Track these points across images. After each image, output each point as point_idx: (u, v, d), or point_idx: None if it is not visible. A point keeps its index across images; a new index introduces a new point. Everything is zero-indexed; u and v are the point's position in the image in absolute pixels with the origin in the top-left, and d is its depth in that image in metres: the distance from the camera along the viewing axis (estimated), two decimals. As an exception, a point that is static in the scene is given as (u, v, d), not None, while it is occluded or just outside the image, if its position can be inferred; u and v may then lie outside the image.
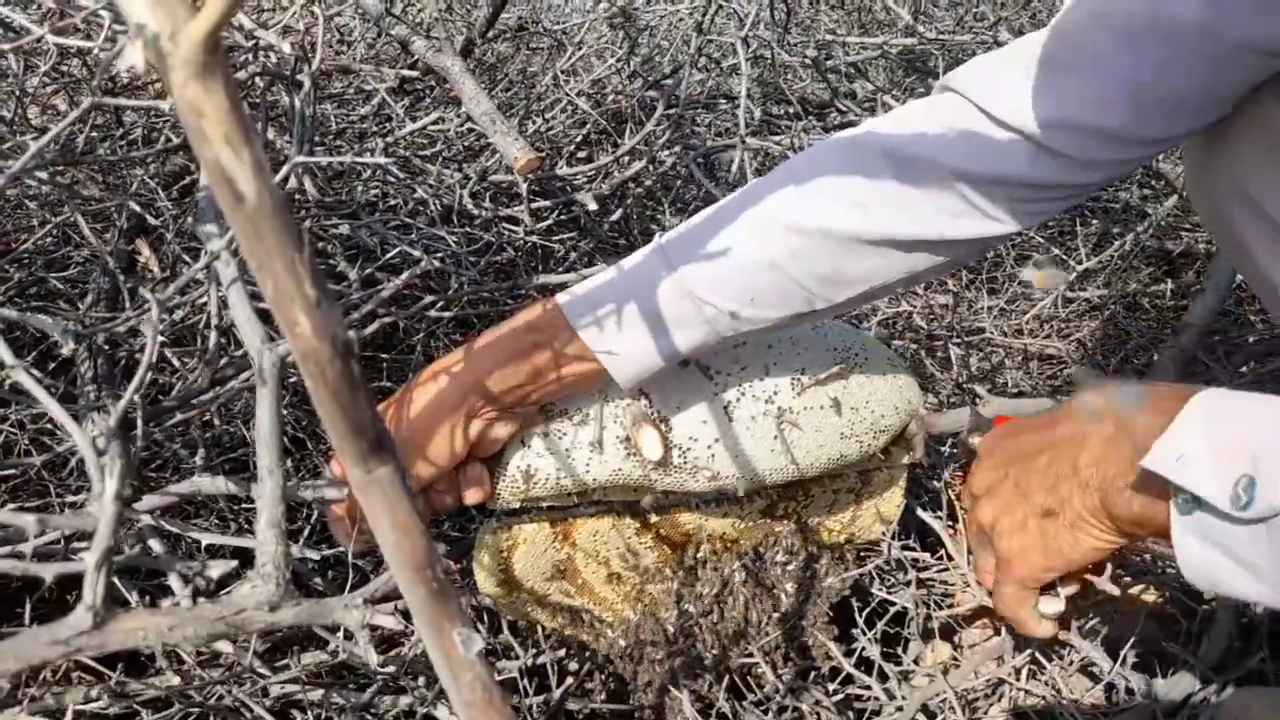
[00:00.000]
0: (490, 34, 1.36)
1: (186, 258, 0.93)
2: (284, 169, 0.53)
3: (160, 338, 0.48)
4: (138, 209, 0.92)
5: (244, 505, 0.99)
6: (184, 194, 1.02)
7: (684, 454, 0.82)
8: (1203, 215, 0.81)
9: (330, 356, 0.28)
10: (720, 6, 1.12)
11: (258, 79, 0.61)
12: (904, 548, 0.96)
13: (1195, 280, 1.49)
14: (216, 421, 0.87)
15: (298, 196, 0.80)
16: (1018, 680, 0.83)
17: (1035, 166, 0.72)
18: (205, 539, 0.53)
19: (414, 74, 1.05)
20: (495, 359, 0.75)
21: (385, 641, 0.90)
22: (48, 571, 0.33)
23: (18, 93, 0.74)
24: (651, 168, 1.16)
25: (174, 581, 0.55)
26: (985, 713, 0.88)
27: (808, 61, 1.36)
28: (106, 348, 0.77)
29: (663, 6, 1.24)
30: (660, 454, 0.80)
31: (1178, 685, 0.82)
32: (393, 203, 1.01)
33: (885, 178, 0.73)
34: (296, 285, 0.28)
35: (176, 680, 0.69)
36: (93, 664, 0.74)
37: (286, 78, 0.56)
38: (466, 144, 1.15)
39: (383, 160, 0.55)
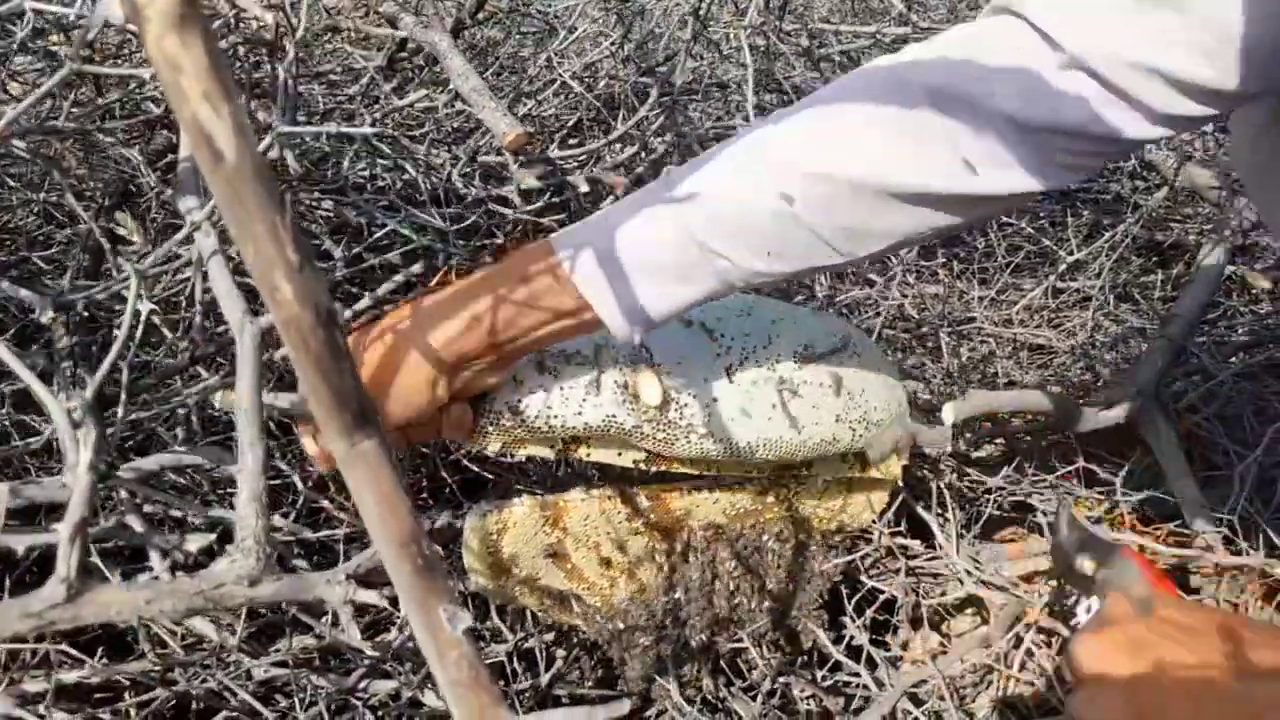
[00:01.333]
0: (480, 15, 1.35)
1: (174, 231, 0.92)
2: (266, 139, 0.52)
3: (145, 306, 0.47)
4: (120, 182, 0.90)
5: (228, 490, 0.98)
6: (168, 170, 1.00)
7: (680, 409, 0.79)
8: (1257, 202, 0.76)
9: (313, 324, 0.27)
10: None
11: (239, 47, 0.60)
12: (894, 535, 0.95)
13: (1185, 272, 1.49)
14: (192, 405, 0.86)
15: (280, 172, 0.79)
16: (1006, 668, 0.83)
17: (1100, 114, 0.62)
18: (189, 514, 0.52)
19: (403, 33, 1.03)
20: (484, 305, 0.69)
21: (371, 626, 0.89)
22: (20, 542, 0.32)
23: (-3, 64, 0.73)
24: (643, 154, 1.15)
25: (154, 559, 0.54)
26: (973, 700, 0.88)
27: (800, 50, 1.35)
28: (86, 321, 0.75)
29: (656, -12, 1.23)
30: (659, 399, 0.77)
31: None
32: (381, 183, 1.00)
33: (923, 120, 0.64)
34: (278, 250, 0.27)
35: (158, 664, 0.68)
36: (73, 651, 0.73)
37: (269, 44, 0.54)
38: (455, 125, 1.14)
39: (367, 130, 0.54)
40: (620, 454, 0.82)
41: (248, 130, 0.26)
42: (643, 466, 0.83)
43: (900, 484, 0.95)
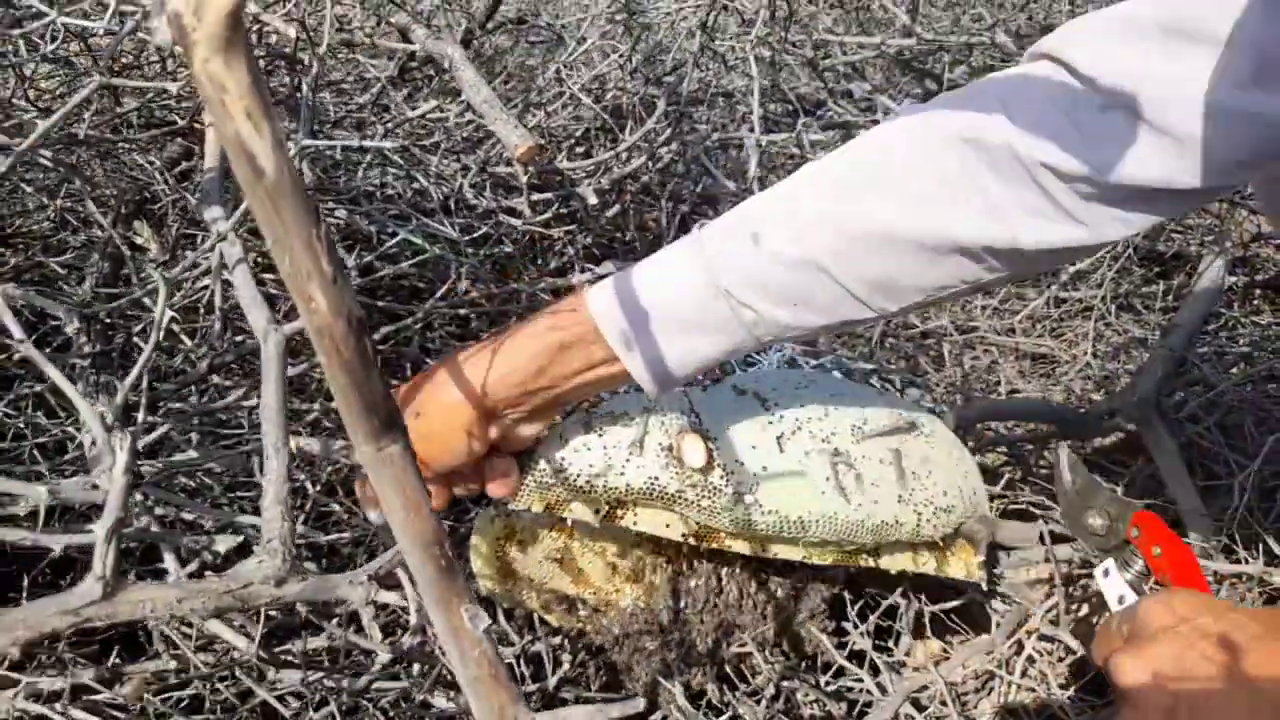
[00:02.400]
0: (490, 25, 1.36)
1: (187, 240, 0.93)
2: (290, 151, 0.53)
3: (169, 313, 0.49)
4: (138, 191, 0.92)
5: (240, 495, 0.99)
6: (182, 178, 1.02)
7: (726, 475, 0.77)
8: (1260, 194, 0.74)
9: (345, 333, 0.29)
10: (725, 6, 1.12)
11: (260, 62, 0.61)
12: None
13: (1187, 282, 1.50)
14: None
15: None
16: (1009, 674, 0.84)
17: (1144, 158, 0.58)
18: (208, 521, 0.53)
19: (415, 47, 1.04)
20: (518, 359, 0.70)
21: (382, 629, 0.90)
22: (56, 543, 0.33)
23: (20, 72, 0.74)
24: (651, 164, 1.16)
25: (169, 563, 0.55)
26: (975, 707, 0.88)
27: (805, 61, 1.37)
28: (106, 329, 0.77)
29: (666, 3, 1.24)
30: (702, 462, 0.75)
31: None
32: (391, 192, 1.01)
33: (957, 170, 0.63)
34: (313, 261, 0.28)
35: (173, 665, 0.69)
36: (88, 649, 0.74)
37: (290, 59, 0.56)
38: (465, 135, 1.16)
39: (386, 144, 0.55)
40: (668, 525, 0.78)
41: (285, 147, 0.27)
42: (691, 542, 0.79)
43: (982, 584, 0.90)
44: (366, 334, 0.29)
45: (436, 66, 1.08)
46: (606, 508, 0.78)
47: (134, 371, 0.40)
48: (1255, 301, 1.56)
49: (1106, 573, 0.74)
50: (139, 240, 1.00)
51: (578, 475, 0.76)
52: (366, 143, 0.59)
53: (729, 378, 0.92)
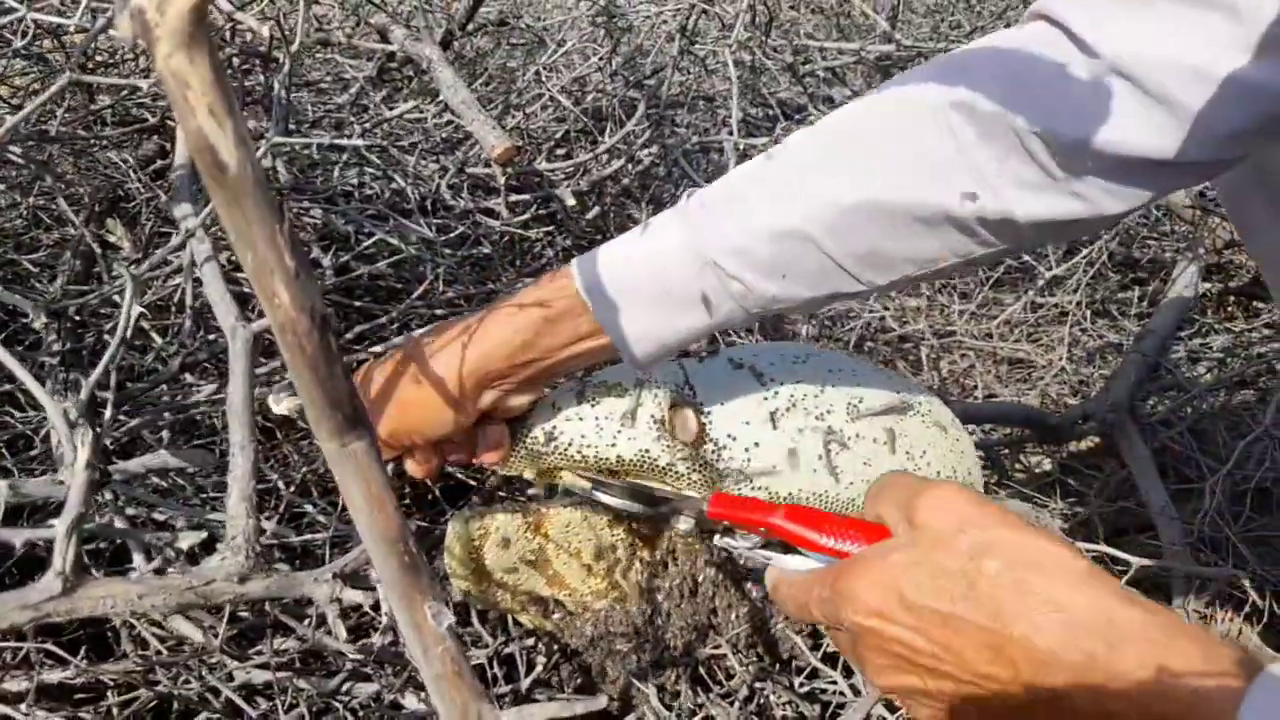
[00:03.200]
0: (470, 26, 1.36)
1: (161, 239, 0.92)
2: (260, 148, 0.53)
3: (136, 310, 0.48)
4: (111, 189, 0.91)
5: (211, 495, 0.98)
6: (157, 177, 1.01)
7: (718, 449, 0.77)
8: (1223, 198, 0.75)
9: (309, 328, 0.29)
10: (704, 10, 1.13)
11: (234, 59, 0.61)
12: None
13: (1161, 288, 1.52)
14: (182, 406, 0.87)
15: (270, 180, 0.80)
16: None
17: (1139, 128, 0.56)
18: (178, 519, 0.52)
19: (393, 47, 1.04)
20: (504, 332, 0.69)
21: (353, 631, 0.90)
22: (18, 537, 0.33)
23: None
24: (630, 166, 1.16)
25: (137, 559, 0.54)
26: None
27: (785, 66, 1.37)
28: (76, 328, 0.76)
29: (647, 7, 1.25)
30: (694, 435, 0.75)
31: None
32: (369, 192, 1.01)
33: (946, 138, 0.60)
34: (276, 257, 0.28)
35: (140, 664, 0.69)
36: (56, 650, 0.73)
37: (264, 57, 0.56)
38: (444, 135, 1.15)
39: (359, 142, 0.55)
40: (654, 498, 0.77)
41: (249, 143, 0.27)
42: (690, 521, 0.76)
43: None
44: (330, 330, 0.29)
45: (415, 67, 1.08)
46: (597, 477, 0.78)
47: (99, 367, 0.39)
48: (1229, 308, 1.58)
49: (733, 547, 0.67)
50: (111, 239, 1.00)
51: (569, 444, 0.75)
52: (340, 140, 0.58)
53: (725, 350, 0.90)
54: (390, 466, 0.85)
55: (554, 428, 0.76)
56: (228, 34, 0.61)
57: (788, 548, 0.62)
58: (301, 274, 0.28)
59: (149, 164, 1.06)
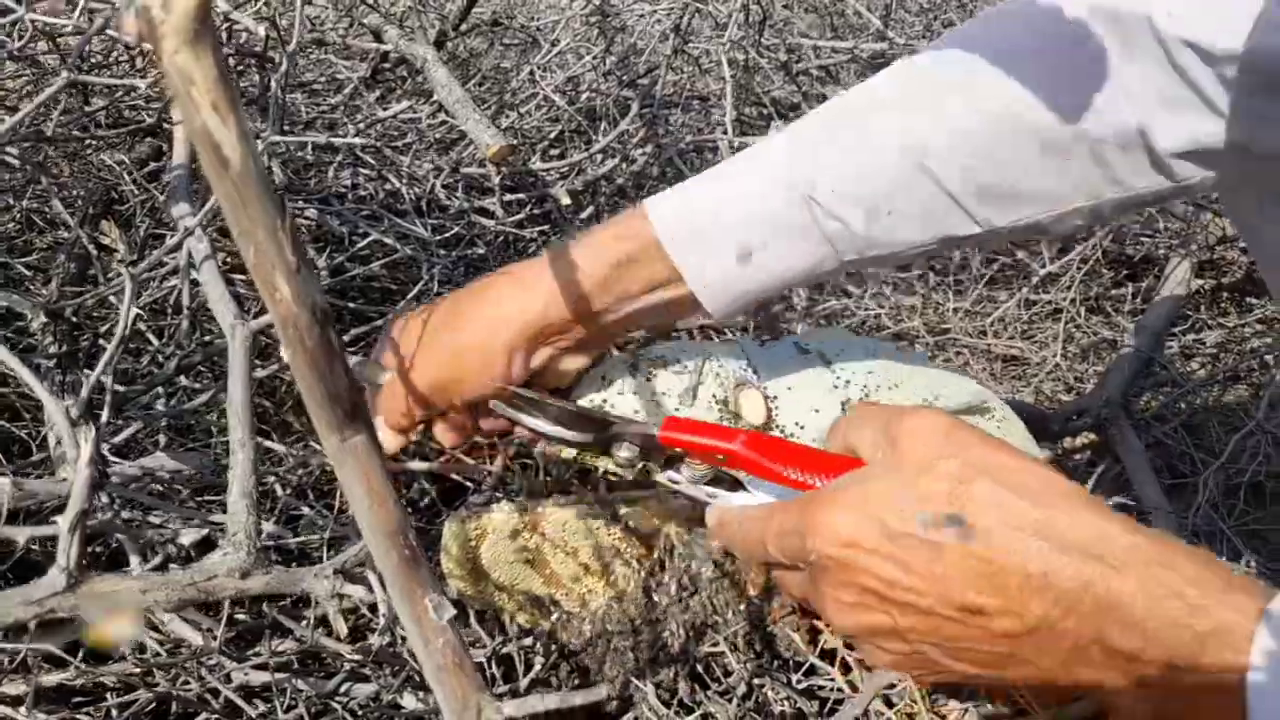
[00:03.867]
0: (463, 27, 1.36)
1: (156, 241, 0.93)
2: (259, 147, 0.53)
3: (134, 310, 0.48)
4: (106, 191, 0.91)
5: (207, 498, 0.98)
6: (151, 178, 1.01)
7: (785, 437, 0.71)
8: (1231, 212, 0.72)
9: (309, 323, 0.29)
10: (698, 9, 1.13)
11: (230, 59, 0.61)
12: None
13: (1155, 285, 1.53)
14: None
15: (269, 182, 0.80)
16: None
17: None
18: (175, 523, 0.53)
19: (387, 47, 1.04)
20: (574, 275, 0.61)
21: (351, 632, 0.90)
22: (21, 535, 0.33)
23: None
24: (624, 166, 1.16)
25: (133, 561, 0.54)
26: (945, 704, 0.89)
27: (779, 64, 1.38)
28: (73, 330, 0.76)
29: (641, 6, 1.25)
30: (762, 419, 0.69)
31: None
32: (363, 193, 1.01)
33: (1086, 48, 0.54)
34: (278, 252, 0.28)
35: (139, 666, 0.69)
36: (56, 650, 0.73)
37: (260, 57, 0.56)
38: (438, 135, 1.16)
39: (355, 141, 0.55)
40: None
41: (251, 139, 0.27)
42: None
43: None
44: (331, 325, 0.29)
45: (410, 67, 1.08)
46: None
47: (100, 365, 0.40)
48: (1222, 304, 1.59)
49: (675, 481, 0.63)
50: (106, 241, 1.00)
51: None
52: (335, 139, 0.58)
53: (789, 336, 0.85)
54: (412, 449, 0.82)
55: (603, 401, 0.70)
56: (224, 34, 0.61)
57: (737, 484, 0.58)
58: (302, 269, 0.28)
59: (143, 165, 1.06)
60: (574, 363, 0.67)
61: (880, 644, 0.48)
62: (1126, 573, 0.42)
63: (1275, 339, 1.41)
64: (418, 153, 1.13)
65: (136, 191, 0.96)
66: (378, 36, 1.10)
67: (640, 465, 0.65)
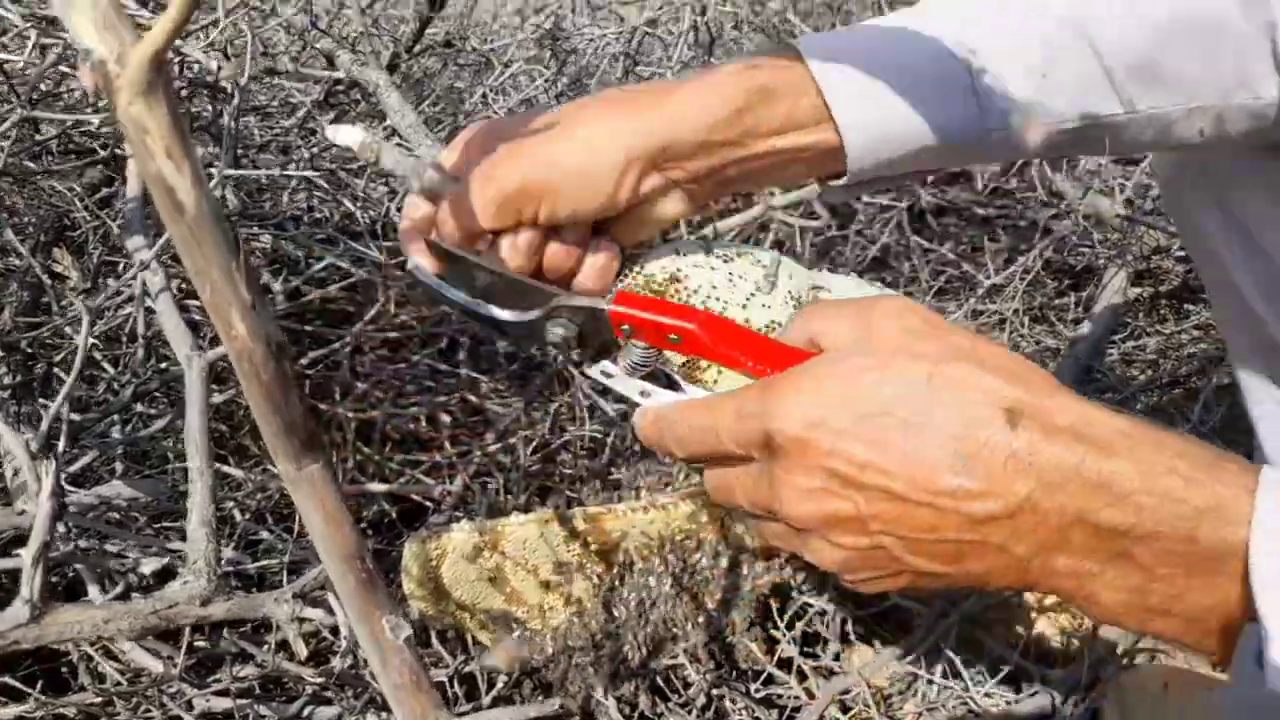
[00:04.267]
0: (416, 49, 1.38)
1: (108, 268, 0.92)
2: (212, 179, 0.54)
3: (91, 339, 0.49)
4: (58, 218, 0.91)
5: (166, 526, 0.98)
6: (103, 205, 1.01)
7: None
8: (1175, 219, 0.76)
9: (264, 357, 0.30)
10: (648, 32, 1.15)
11: (183, 91, 0.62)
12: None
13: (1095, 294, 1.57)
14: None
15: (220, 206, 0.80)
16: (929, 674, 0.87)
17: None
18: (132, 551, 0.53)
19: (339, 74, 1.05)
20: (710, 98, 0.57)
21: (312, 656, 0.90)
22: (-18, 569, 0.33)
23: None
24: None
25: (92, 591, 0.55)
26: (900, 709, 0.92)
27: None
28: (27, 360, 0.76)
29: (591, 30, 1.27)
30: None
31: (1078, 668, 0.86)
32: (319, 215, 1.02)
33: None
34: (233, 290, 0.29)
35: (99, 698, 0.68)
36: (14, 683, 0.73)
37: (213, 88, 0.57)
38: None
39: (310, 174, 0.56)
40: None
41: (205, 183, 0.28)
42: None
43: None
44: (286, 357, 0.31)
45: (363, 90, 1.09)
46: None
47: (58, 399, 0.40)
48: (1161, 311, 1.64)
49: (608, 374, 0.57)
50: (59, 268, 0.99)
51: (697, 290, 0.65)
52: (289, 173, 0.59)
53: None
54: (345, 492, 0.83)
55: (679, 269, 0.66)
56: (177, 67, 0.62)
57: (671, 383, 0.55)
58: (257, 305, 0.30)
59: (95, 191, 1.06)
60: (675, 205, 0.62)
61: (836, 537, 0.45)
62: (1116, 450, 0.41)
63: (1211, 344, 1.46)
64: (372, 175, 1.14)
65: (88, 218, 0.96)
66: (330, 62, 1.11)
67: (573, 350, 0.57)
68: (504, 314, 0.56)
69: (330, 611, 0.42)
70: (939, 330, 0.46)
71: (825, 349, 0.48)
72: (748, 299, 0.65)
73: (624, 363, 0.54)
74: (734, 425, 0.47)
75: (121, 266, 0.93)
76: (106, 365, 0.77)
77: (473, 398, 1.18)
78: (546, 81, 1.22)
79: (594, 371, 0.55)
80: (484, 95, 1.23)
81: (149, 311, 0.56)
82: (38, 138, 0.88)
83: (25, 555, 0.30)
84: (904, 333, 0.46)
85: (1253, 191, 0.67)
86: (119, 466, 0.83)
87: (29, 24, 0.50)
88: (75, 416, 0.82)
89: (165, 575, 0.68)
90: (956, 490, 0.42)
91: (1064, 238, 1.64)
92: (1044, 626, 0.94)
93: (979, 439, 0.42)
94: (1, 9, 0.55)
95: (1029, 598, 0.95)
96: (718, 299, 0.64)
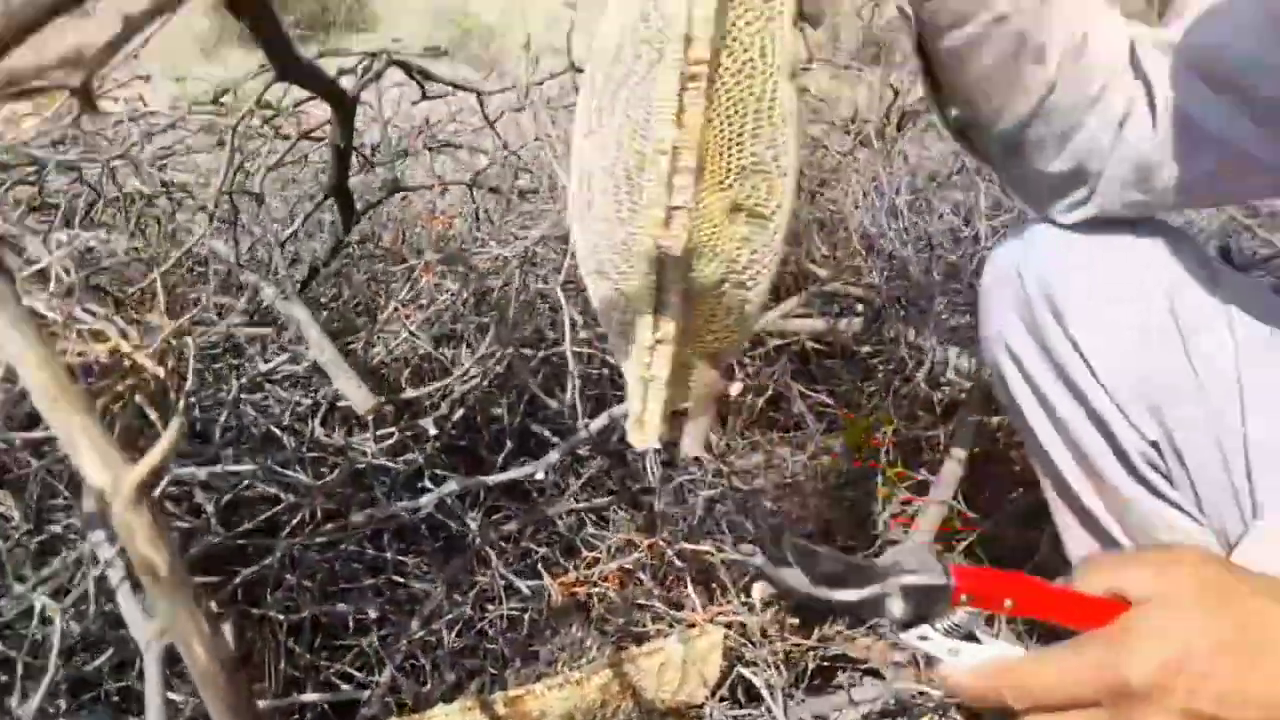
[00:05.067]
0: (331, 262, 1.51)
1: (49, 511, 1.00)
2: (160, 484, 0.64)
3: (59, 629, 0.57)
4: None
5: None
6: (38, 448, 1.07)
7: None
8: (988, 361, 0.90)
9: (224, 677, 0.40)
10: (536, 253, 1.31)
11: (127, 391, 0.72)
12: (730, 708, 1.09)
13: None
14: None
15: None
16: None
17: None
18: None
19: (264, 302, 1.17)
20: None
21: None
22: None
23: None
24: (484, 382, 1.31)
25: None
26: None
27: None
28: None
29: (491, 249, 1.43)
30: None
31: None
32: (246, 441, 1.11)
33: None
34: (196, 629, 0.40)
35: None
36: None
37: (154, 393, 0.68)
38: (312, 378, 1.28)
39: (248, 468, 0.66)
40: None
41: (178, 556, 0.40)
42: None
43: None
44: (241, 670, 0.41)
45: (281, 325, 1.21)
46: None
47: (37, 696, 0.49)
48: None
49: (925, 638, 0.60)
50: (0, 509, 1.06)
51: None
52: (238, 468, 0.70)
53: None
54: None
55: None
56: (126, 366, 0.72)
57: (968, 635, 0.58)
58: (219, 637, 0.41)
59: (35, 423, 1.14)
60: None
61: None
62: None
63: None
64: (296, 382, 1.25)
65: (30, 459, 1.04)
66: (254, 293, 1.23)
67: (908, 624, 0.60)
68: (842, 597, 0.59)
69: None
70: (1239, 578, 0.52)
71: (1133, 600, 0.53)
72: None
73: (944, 624, 0.58)
74: (1091, 675, 0.51)
75: (64, 507, 1.01)
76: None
77: (399, 578, 1.26)
78: (452, 296, 1.36)
79: (910, 637, 0.59)
80: (395, 310, 1.36)
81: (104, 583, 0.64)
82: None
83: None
84: (1203, 584, 0.51)
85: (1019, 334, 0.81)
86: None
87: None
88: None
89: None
90: None
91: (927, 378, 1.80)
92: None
93: None
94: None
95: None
96: None
